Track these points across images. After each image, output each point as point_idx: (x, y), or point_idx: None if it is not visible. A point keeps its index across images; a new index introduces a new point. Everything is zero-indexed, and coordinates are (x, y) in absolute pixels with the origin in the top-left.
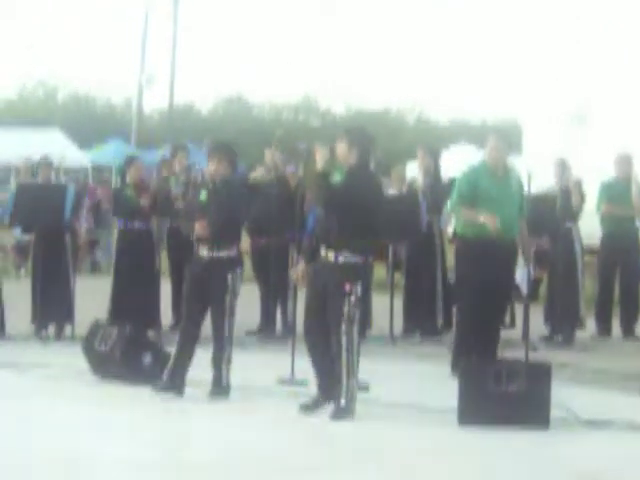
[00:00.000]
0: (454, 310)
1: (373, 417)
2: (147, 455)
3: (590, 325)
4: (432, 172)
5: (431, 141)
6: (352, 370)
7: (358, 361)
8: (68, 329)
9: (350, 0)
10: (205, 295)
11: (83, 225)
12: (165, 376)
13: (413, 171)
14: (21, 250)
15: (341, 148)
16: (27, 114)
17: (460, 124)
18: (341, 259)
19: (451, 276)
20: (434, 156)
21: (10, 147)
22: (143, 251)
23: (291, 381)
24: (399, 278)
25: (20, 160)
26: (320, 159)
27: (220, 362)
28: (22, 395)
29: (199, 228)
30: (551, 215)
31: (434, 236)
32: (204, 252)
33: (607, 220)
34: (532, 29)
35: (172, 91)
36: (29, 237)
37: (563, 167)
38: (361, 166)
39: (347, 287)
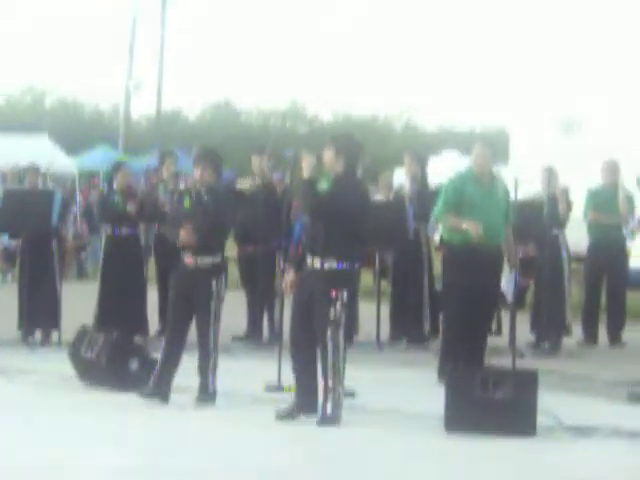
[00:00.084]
0: (441, 317)
1: (359, 424)
2: (133, 461)
3: (577, 332)
4: (419, 179)
5: (419, 148)
6: (338, 377)
7: (344, 368)
8: (55, 335)
9: (338, 8)
10: (190, 302)
11: (70, 231)
12: (151, 382)
13: (400, 178)
14: (8, 256)
15: (328, 155)
16: (15, 120)
17: (448, 131)
18: (327, 266)
19: (438, 283)
20: (421, 163)
21: None
22: (130, 257)
23: (278, 388)
24: (386, 285)
25: (7, 166)
26: (306, 166)
27: (206, 369)
28: (8, 401)
29: (184, 235)
30: (538, 222)
31: (421, 243)
32: (188, 259)
33: (594, 227)
34: (520, 37)
35: (160, 97)
36: (16, 243)
37: (550, 174)
38: (348, 173)
39: (333, 294)
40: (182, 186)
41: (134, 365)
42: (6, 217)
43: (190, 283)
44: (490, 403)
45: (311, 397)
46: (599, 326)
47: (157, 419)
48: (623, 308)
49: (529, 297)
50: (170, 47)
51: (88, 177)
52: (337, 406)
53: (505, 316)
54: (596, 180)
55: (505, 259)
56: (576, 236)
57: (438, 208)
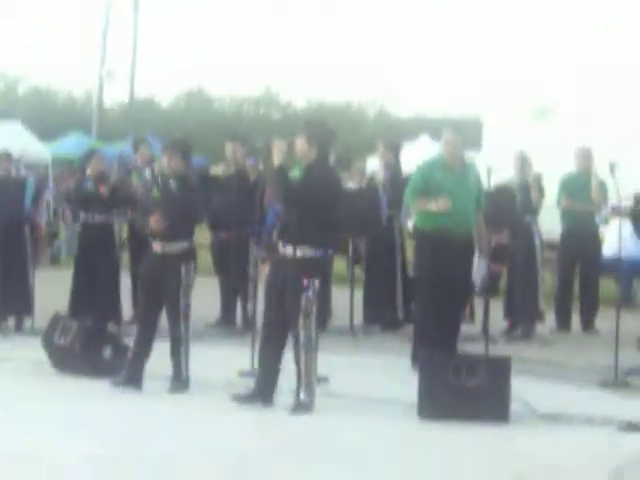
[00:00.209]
0: (413, 304)
1: (332, 410)
2: (108, 450)
3: (550, 319)
4: (393, 166)
5: (392, 135)
6: (311, 364)
7: (316, 355)
8: (28, 322)
9: None
10: (159, 288)
11: (43, 217)
12: (124, 371)
13: (374, 165)
14: None
15: (300, 143)
16: None
17: (421, 118)
18: (300, 254)
19: (411, 270)
20: (395, 150)
21: None
22: (103, 244)
23: (251, 374)
24: (359, 271)
25: None
26: (277, 153)
27: (178, 355)
28: None
29: (153, 222)
30: (511, 209)
31: (394, 230)
32: (157, 246)
33: (567, 214)
34: (492, 24)
35: (132, 84)
36: None
37: (523, 161)
38: (320, 161)
39: (305, 282)
40: (147, 173)
41: (107, 352)
42: None
43: (159, 270)
44: (463, 389)
45: (272, 386)
46: (572, 313)
47: (131, 407)
48: (596, 295)
49: (502, 284)
50: (143, 34)
51: (62, 164)
52: (310, 393)
53: (478, 303)
54: (569, 167)
55: (476, 246)
56: (549, 223)
57: (406, 195)
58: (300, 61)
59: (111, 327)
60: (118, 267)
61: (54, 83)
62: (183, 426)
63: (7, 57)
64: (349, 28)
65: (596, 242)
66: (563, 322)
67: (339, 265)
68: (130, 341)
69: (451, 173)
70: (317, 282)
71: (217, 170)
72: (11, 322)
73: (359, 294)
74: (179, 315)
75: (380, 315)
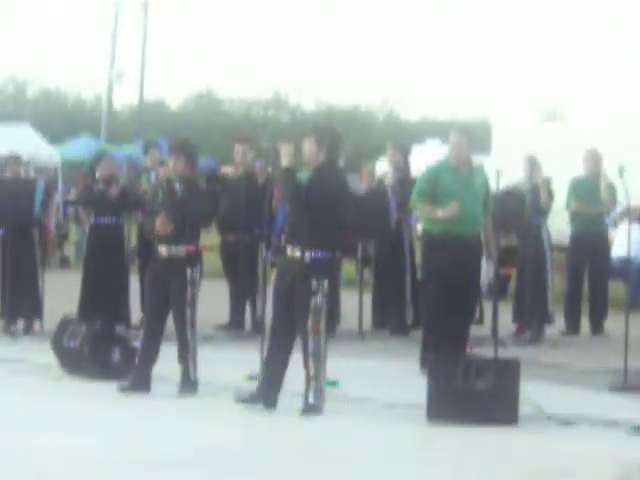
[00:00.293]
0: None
1: (341, 413)
2: (116, 452)
3: (559, 322)
4: (402, 168)
5: (401, 137)
6: (320, 367)
7: (326, 358)
8: (37, 325)
9: None
10: (166, 291)
11: (52, 220)
12: (131, 376)
13: (383, 167)
14: None
15: (308, 145)
16: None
17: (430, 121)
18: (308, 255)
19: (420, 272)
20: (404, 152)
21: None
22: (113, 246)
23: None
24: (368, 274)
25: None
26: (285, 155)
27: (186, 358)
28: None
29: (158, 224)
30: (520, 212)
31: (403, 232)
32: (163, 249)
33: (576, 217)
34: (502, 26)
35: (142, 86)
36: None
37: (532, 164)
38: (328, 163)
39: (314, 283)
40: (152, 177)
41: (116, 355)
42: None
43: (165, 273)
44: (472, 392)
45: (275, 390)
46: (581, 315)
47: (139, 409)
48: (605, 297)
49: (511, 287)
50: (153, 36)
51: (72, 166)
52: (319, 395)
53: (487, 305)
54: (578, 170)
55: (484, 248)
56: (558, 226)
57: (413, 197)
58: (309, 64)
59: (120, 330)
60: (127, 270)
61: (63, 85)
62: (191, 429)
63: (16, 60)
64: (358, 31)
65: (605, 245)
66: (572, 325)
67: (348, 268)
68: (138, 344)
69: (458, 175)
70: (326, 284)
71: (227, 170)
72: (20, 325)
73: (368, 298)
74: (185, 319)
75: (389, 318)
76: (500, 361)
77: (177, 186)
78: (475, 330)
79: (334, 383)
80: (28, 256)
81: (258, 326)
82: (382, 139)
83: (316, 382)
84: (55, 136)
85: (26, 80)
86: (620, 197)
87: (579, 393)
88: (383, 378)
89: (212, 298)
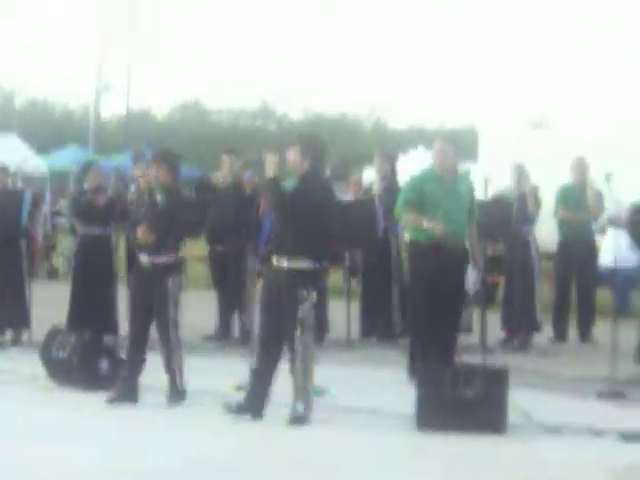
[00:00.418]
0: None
1: (330, 422)
2: (104, 463)
3: (547, 330)
4: (389, 177)
5: (388, 146)
6: (308, 376)
7: (314, 367)
8: (25, 335)
9: (306, 7)
10: (148, 302)
11: (40, 231)
12: (118, 384)
13: (370, 176)
14: None
15: (293, 155)
16: None
17: (417, 130)
18: (294, 265)
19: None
20: (391, 161)
21: None
22: (101, 256)
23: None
24: (356, 283)
25: None
26: (270, 165)
27: (172, 369)
28: None
29: (140, 233)
30: (506, 220)
31: (390, 241)
32: (144, 259)
33: (564, 225)
34: (489, 35)
35: (129, 97)
36: None
37: (520, 172)
38: (313, 172)
39: (300, 293)
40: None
41: (104, 365)
42: None
43: (147, 282)
44: (461, 401)
45: (262, 401)
46: (569, 323)
47: (127, 419)
48: (593, 305)
49: (499, 294)
50: (139, 47)
51: (60, 177)
52: (307, 405)
53: (475, 313)
54: (566, 177)
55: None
56: (546, 234)
57: (397, 206)
58: (296, 73)
59: (108, 340)
60: (115, 280)
61: (50, 96)
62: (178, 439)
63: (3, 70)
64: (345, 41)
65: (593, 253)
66: (560, 332)
67: (336, 277)
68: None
69: (442, 184)
70: (314, 294)
71: (217, 177)
72: (9, 336)
73: (356, 307)
74: (168, 328)
75: (377, 327)
76: (488, 369)
77: (159, 197)
78: (463, 338)
79: (323, 392)
80: (15, 267)
81: (246, 336)
82: (369, 148)
83: (304, 392)
84: (43, 146)
85: (13, 90)
86: (607, 204)
87: (567, 400)
88: (371, 386)
89: (200, 308)
